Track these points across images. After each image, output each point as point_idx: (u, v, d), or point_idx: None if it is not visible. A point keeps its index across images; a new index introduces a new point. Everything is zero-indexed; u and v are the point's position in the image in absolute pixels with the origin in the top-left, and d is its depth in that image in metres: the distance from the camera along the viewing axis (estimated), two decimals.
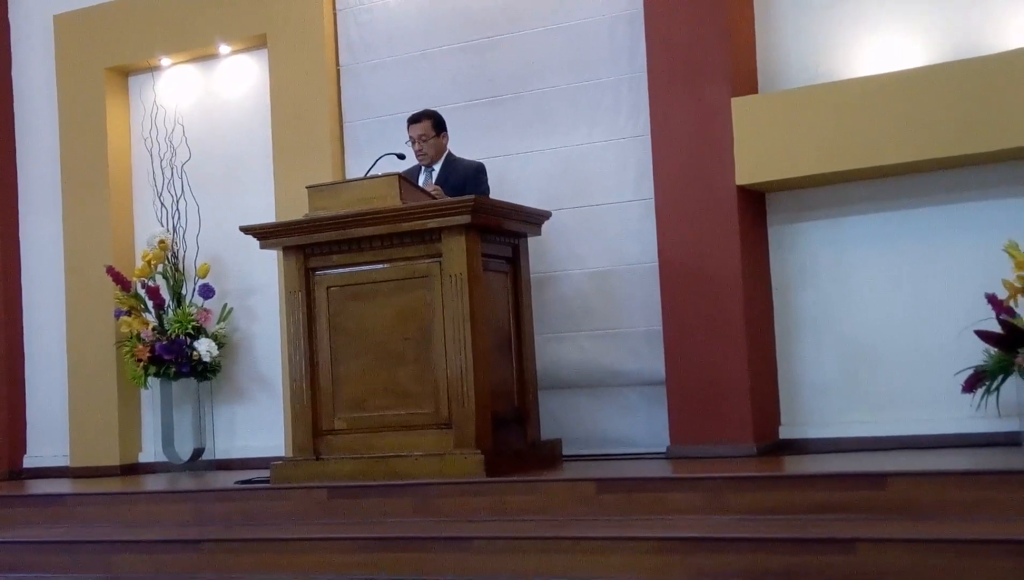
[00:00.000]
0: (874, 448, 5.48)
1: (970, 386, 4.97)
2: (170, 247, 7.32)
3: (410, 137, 6.06)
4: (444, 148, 6.09)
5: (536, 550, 4.47)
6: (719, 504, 4.61)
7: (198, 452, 7.19)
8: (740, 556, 4.12)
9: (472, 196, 5.40)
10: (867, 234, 5.76)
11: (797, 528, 4.26)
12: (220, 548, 5.05)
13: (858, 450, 5.48)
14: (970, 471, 4.45)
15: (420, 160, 6.07)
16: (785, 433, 5.87)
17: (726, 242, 5.74)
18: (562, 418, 6.19)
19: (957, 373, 5.02)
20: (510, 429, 5.58)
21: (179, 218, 7.41)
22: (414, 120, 6.08)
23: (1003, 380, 4.94)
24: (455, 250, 5.31)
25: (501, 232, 5.62)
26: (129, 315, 7.24)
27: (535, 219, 5.86)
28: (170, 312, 7.20)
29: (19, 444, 7.94)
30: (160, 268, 7.29)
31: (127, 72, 7.76)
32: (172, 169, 7.48)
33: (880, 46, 5.75)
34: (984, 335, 4.95)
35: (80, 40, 7.71)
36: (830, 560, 3.98)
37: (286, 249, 5.66)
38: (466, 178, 5.92)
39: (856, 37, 5.83)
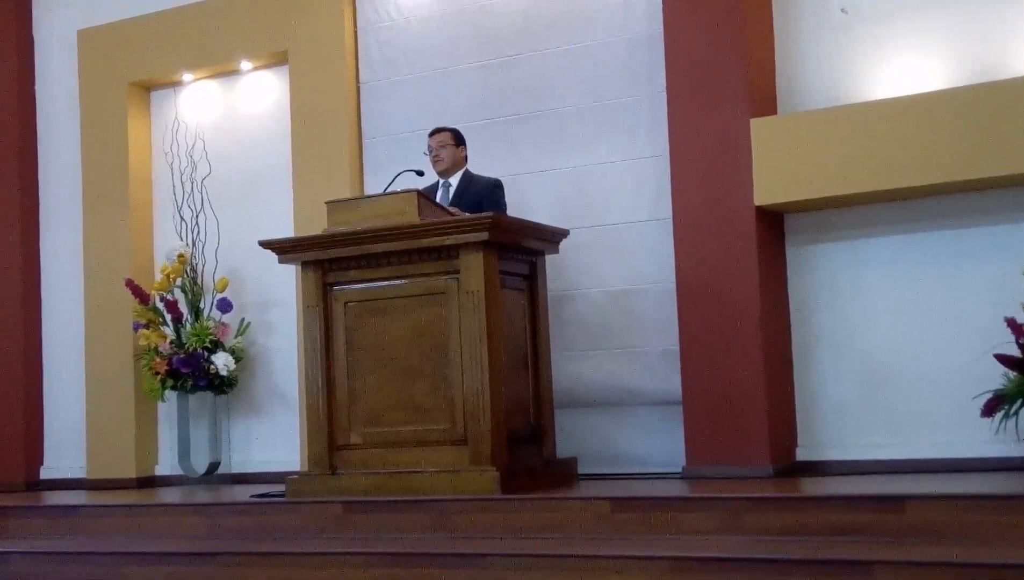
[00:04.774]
0: (892, 471, 5.45)
1: (989, 410, 4.93)
2: (189, 261, 7.36)
3: (428, 147, 6.10)
4: (461, 161, 6.12)
5: (550, 568, 4.45)
6: (735, 525, 4.59)
7: (214, 465, 7.20)
8: (756, 577, 4.10)
9: (490, 213, 5.42)
10: (886, 256, 5.75)
11: (814, 550, 4.23)
12: (235, 561, 5.06)
13: (876, 473, 5.45)
14: (988, 495, 4.43)
15: (435, 166, 6.10)
16: (802, 454, 5.84)
17: (744, 262, 5.74)
18: (578, 436, 6.17)
19: (976, 397, 4.99)
20: (526, 446, 5.57)
21: (198, 232, 7.45)
22: (435, 132, 6.15)
23: (1022, 405, 4.90)
24: (472, 267, 5.32)
25: (519, 249, 5.63)
26: (147, 328, 7.27)
27: (553, 237, 5.87)
28: (188, 326, 7.23)
29: (36, 455, 7.97)
30: (179, 282, 7.32)
31: (149, 87, 7.82)
32: (192, 183, 7.53)
33: (899, 69, 5.75)
34: (1003, 359, 4.92)
35: (103, 55, 7.78)
36: None
37: (304, 264, 5.68)
38: (483, 194, 5.95)
39: (875, 59, 5.83)
